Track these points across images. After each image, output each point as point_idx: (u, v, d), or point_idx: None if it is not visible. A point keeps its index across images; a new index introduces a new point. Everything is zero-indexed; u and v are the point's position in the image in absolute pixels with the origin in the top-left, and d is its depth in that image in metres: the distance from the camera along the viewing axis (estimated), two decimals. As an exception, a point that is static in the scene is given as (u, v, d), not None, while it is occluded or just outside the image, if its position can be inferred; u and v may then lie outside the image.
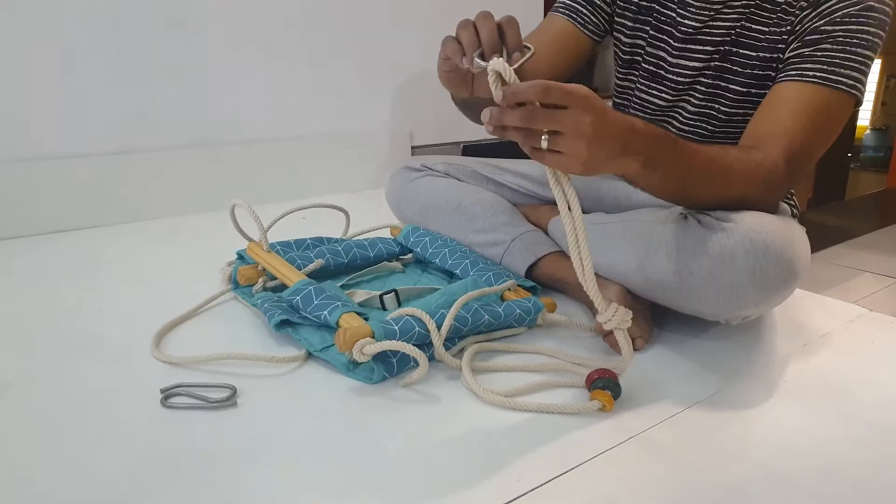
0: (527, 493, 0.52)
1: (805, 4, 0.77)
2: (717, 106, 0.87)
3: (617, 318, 0.65)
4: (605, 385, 0.64)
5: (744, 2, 0.82)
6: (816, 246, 2.55)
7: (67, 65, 1.20)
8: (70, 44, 1.20)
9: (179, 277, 0.99)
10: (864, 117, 4.62)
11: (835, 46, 0.74)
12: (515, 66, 0.57)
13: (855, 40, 0.73)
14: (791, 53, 0.77)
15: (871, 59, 0.75)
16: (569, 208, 0.61)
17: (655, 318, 0.82)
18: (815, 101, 0.74)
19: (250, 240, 0.91)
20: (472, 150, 1.75)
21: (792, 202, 0.95)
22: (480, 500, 0.51)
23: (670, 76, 0.90)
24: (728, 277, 0.69)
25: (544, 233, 0.99)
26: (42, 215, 1.22)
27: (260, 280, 0.85)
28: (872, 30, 0.74)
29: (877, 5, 0.74)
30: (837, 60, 0.73)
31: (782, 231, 0.70)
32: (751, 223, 0.69)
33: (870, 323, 0.87)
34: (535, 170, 1.06)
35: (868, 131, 4.67)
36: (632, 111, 0.97)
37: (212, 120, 1.39)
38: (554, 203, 1.03)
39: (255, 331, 0.80)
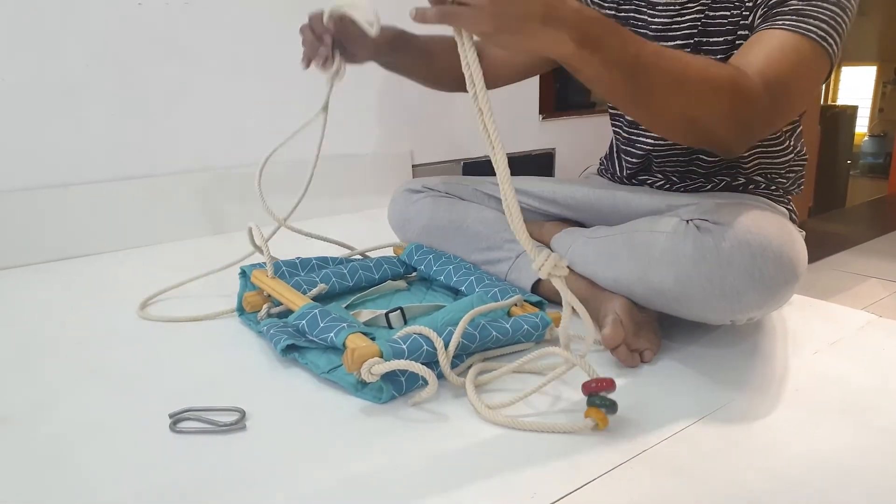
0: (540, 510, 0.52)
1: None
2: None
3: (549, 264, 0.60)
4: (600, 402, 0.62)
5: None
6: (820, 253, 2.55)
7: (70, 95, 1.22)
8: (74, 75, 1.21)
9: (185, 301, 0.99)
10: (863, 124, 4.65)
11: (801, 1, 0.73)
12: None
13: None
14: (759, 20, 0.77)
15: (842, 19, 0.73)
16: (475, 86, 0.57)
17: (662, 327, 0.82)
18: (788, 44, 0.72)
19: (245, 267, 0.91)
20: (472, 166, 1.76)
21: (790, 207, 0.95)
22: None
23: None
24: (728, 281, 0.69)
25: (548, 248, 0.99)
26: (46, 243, 1.22)
27: (264, 307, 0.85)
28: None
29: None
30: (807, 11, 0.72)
31: (779, 231, 0.69)
32: (747, 225, 0.69)
33: (879, 329, 0.86)
34: (535, 186, 1.07)
35: (866, 138, 4.69)
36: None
37: (212, 145, 1.40)
38: (557, 219, 1.05)
39: (263, 354, 0.80)
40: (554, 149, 1.99)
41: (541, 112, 1.93)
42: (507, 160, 0.58)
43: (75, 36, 1.20)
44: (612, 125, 1.05)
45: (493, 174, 0.61)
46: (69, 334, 0.89)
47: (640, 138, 0.96)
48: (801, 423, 0.65)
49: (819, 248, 2.67)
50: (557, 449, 0.60)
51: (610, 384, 0.62)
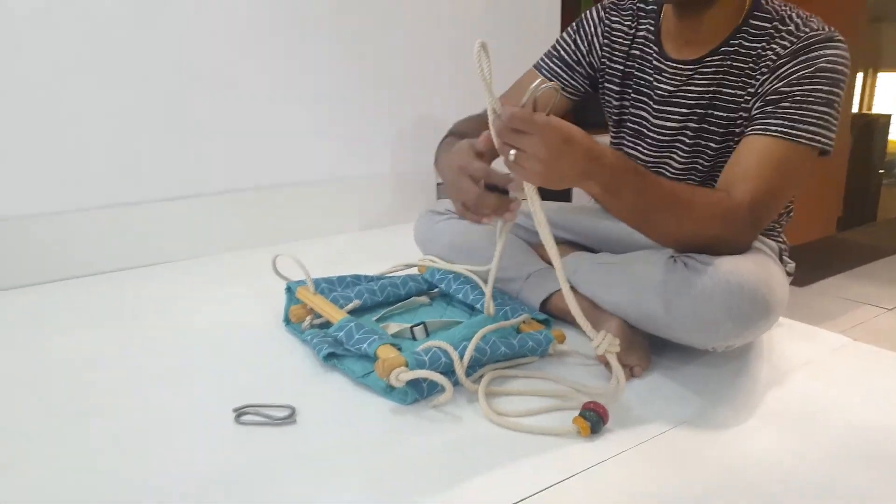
0: (532, 495, 0.64)
1: (765, 70, 0.88)
2: (700, 161, 0.98)
3: (605, 343, 0.76)
4: (588, 417, 0.74)
5: (713, 68, 0.93)
6: (848, 265, 2.63)
7: (119, 121, 1.37)
8: (125, 101, 1.37)
9: (229, 311, 1.14)
10: (896, 132, 4.59)
11: (793, 105, 0.84)
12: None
13: (811, 98, 0.83)
14: (756, 112, 0.88)
15: (830, 113, 0.84)
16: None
17: (654, 347, 0.93)
18: (777, 153, 0.83)
19: (291, 283, 1.05)
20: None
21: (780, 240, 1.05)
22: (494, 499, 0.63)
23: (652, 135, 1.01)
24: (708, 313, 0.80)
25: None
26: (95, 258, 1.37)
27: (307, 318, 0.99)
28: (826, 88, 0.84)
29: (827, 65, 0.83)
30: (797, 117, 0.83)
31: (756, 273, 0.80)
32: (728, 267, 0.80)
33: (851, 352, 0.97)
34: (546, 212, 1.18)
35: (900, 147, 4.62)
36: None
37: (249, 166, 1.54)
38: (565, 242, 1.17)
39: (307, 359, 0.94)
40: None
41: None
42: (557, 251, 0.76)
43: (135, 68, 1.36)
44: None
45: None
46: (138, 338, 1.04)
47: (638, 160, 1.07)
48: (761, 430, 0.76)
49: (849, 260, 2.75)
50: (551, 447, 0.72)
51: (605, 413, 0.75)
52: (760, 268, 0.82)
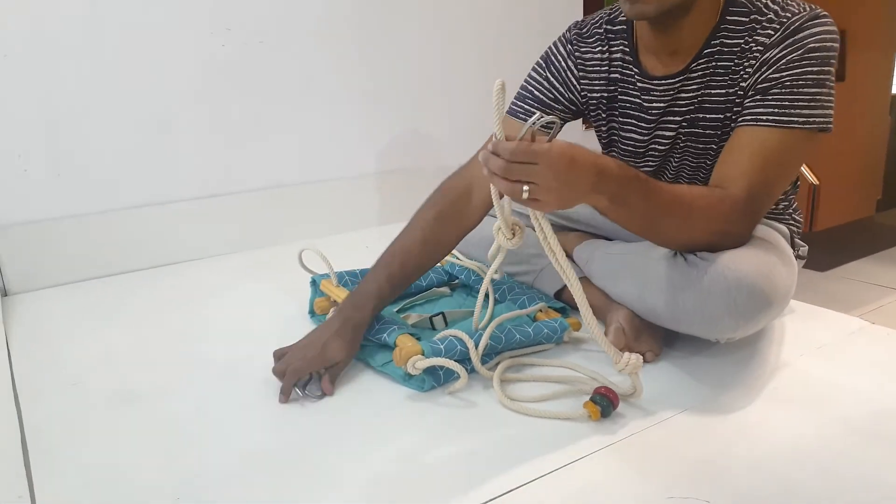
0: (542, 476, 0.67)
1: (753, 62, 0.85)
2: (705, 162, 0.95)
3: (631, 365, 0.77)
4: (599, 401, 0.76)
5: (699, 73, 0.90)
6: (880, 248, 2.60)
7: (164, 126, 1.44)
8: (166, 109, 1.44)
9: (259, 303, 1.19)
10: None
11: (783, 90, 0.82)
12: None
13: (801, 81, 0.81)
14: (748, 102, 0.86)
15: (822, 92, 0.82)
16: (548, 241, 0.76)
17: (668, 335, 0.94)
18: (769, 143, 0.82)
19: (315, 276, 1.10)
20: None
21: (791, 221, 1.03)
22: (507, 479, 0.67)
23: (649, 151, 0.99)
24: (708, 308, 0.81)
25: (570, 259, 1.13)
26: (150, 252, 1.45)
27: (331, 310, 1.04)
28: (816, 68, 0.81)
29: (816, 45, 0.81)
30: (787, 103, 0.82)
31: (756, 266, 0.80)
32: (726, 261, 0.81)
33: (867, 335, 0.97)
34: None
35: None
36: None
37: (281, 166, 1.60)
38: (577, 231, 1.19)
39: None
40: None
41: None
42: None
43: (171, 73, 1.42)
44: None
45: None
46: (175, 331, 1.10)
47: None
48: (772, 415, 0.77)
49: (878, 244, 2.70)
50: (562, 431, 0.75)
51: (615, 398, 0.77)
52: (761, 260, 0.82)
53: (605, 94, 1.00)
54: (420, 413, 0.81)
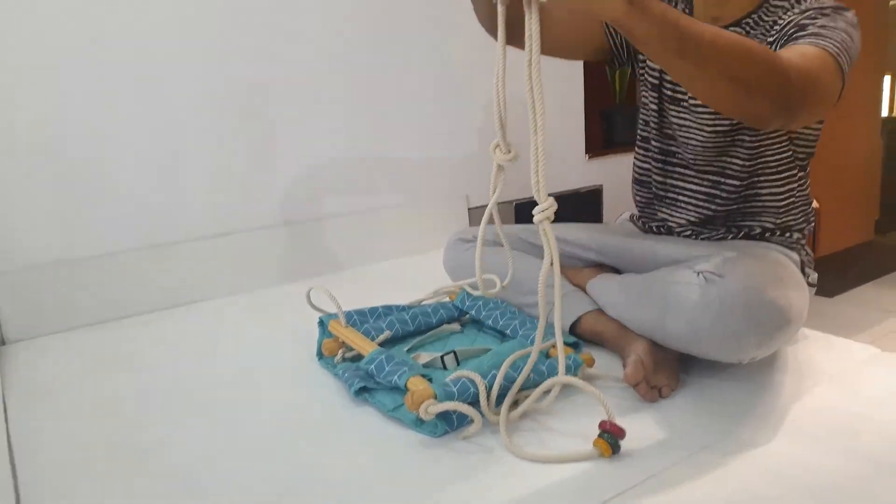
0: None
1: (784, 21, 0.93)
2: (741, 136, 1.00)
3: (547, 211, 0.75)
4: (608, 438, 0.75)
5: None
6: (883, 272, 2.58)
7: (174, 162, 1.45)
8: (177, 145, 1.44)
9: (275, 346, 1.18)
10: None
11: (817, 28, 0.87)
12: None
13: (831, 25, 0.86)
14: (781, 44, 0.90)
15: (848, 46, 0.85)
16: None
17: (682, 363, 0.93)
18: (811, 51, 0.83)
19: (323, 316, 1.08)
20: (523, 206, 1.90)
21: (803, 252, 1.04)
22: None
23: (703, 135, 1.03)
24: (729, 326, 0.81)
25: (584, 292, 1.12)
26: (150, 295, 1.43)
27: (340, 352, 1.02)
28: (843, 25, 0.87)
29: (841, 24, 0.87)
30: (823, 34, 0.85)
31: (774, 281, 0.82)
32: (744, 279, 0.82)
33: (880, 363, 0.95)
34: (573, 235, 1.20)
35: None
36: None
37: (290, 199, 1.60)
38: (593, 264, 1.18)
39: (340, 393, 0.96)
40: (601, 185, 2.10)
41: (587, 151, 2.05)
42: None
43: (178, 110, 1.43)
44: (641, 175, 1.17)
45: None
46: (179, 378, 1.08)
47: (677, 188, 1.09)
48: (793, 450, 0.75)
49: (882, 267, 2.69)
50: (576, 475, 0.73)
51: (621, 433, 0.75)
52: (777, 279, 0.84)
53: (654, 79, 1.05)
54: (433, 460, 0.79)
